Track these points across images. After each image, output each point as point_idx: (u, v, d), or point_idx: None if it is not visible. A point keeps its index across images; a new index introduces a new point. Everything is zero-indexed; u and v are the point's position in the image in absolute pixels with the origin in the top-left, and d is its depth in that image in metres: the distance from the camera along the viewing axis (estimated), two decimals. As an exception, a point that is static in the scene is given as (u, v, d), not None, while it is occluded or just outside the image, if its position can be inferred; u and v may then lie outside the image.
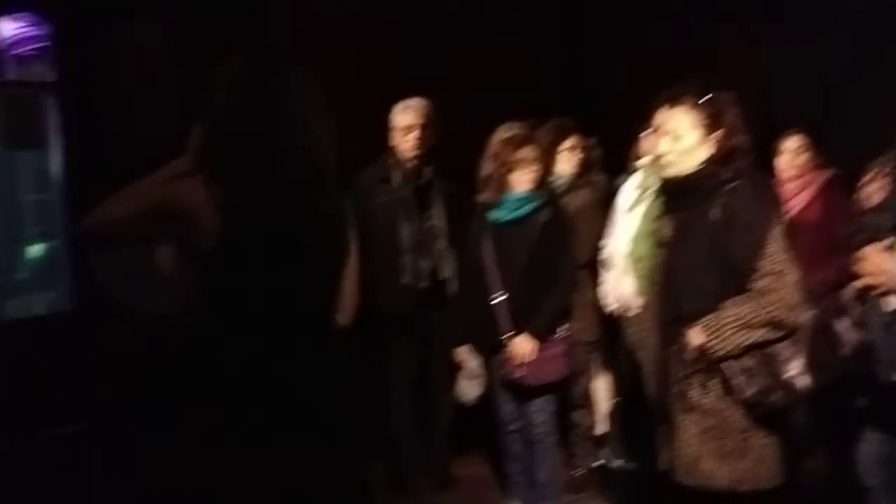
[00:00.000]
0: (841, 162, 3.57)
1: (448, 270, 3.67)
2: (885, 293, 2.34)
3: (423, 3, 4.89)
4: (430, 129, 3.65)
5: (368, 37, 4.72)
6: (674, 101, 2.50)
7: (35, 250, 4.80)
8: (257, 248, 1.79)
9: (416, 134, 3.61)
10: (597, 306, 3.63)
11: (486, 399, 3.41)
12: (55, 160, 4.38)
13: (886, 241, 2.34)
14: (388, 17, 4.83)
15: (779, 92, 4.46)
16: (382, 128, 3.70)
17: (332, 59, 4.64)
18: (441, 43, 4.76)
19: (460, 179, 3.65)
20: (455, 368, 3.46)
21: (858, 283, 2.36)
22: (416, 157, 3.65)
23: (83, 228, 1.81)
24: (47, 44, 4.60)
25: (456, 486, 3.91)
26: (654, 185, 3.19)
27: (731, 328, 2.34)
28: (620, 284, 3.32)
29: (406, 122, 3.63)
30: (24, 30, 4.72)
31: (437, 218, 3.70)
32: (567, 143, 3.78)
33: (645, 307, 2.59)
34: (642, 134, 3.33)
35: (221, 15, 4.61)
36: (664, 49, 4.86)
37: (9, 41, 4.70)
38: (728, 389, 2.39)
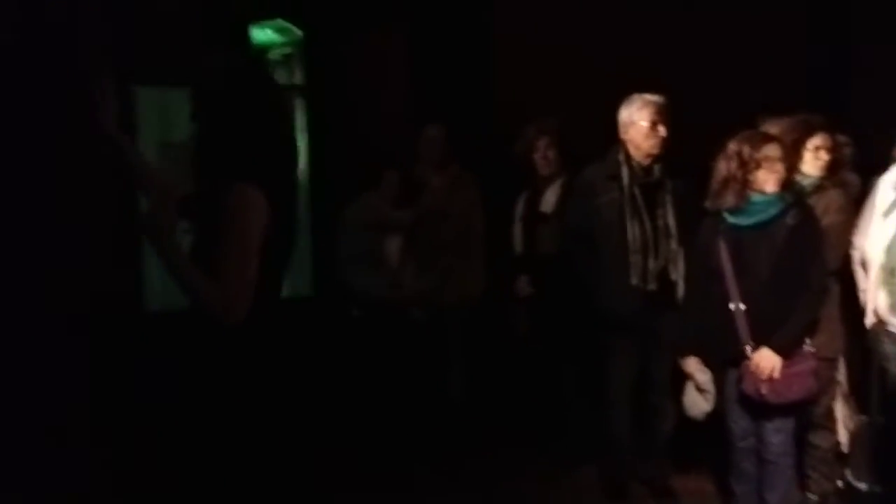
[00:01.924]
0: None
1: (677, 273, 3.53)
2: None
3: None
4: (669, 126, 3.52)
5: (598, 31, 4.66)
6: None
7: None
8: None
9: (660, 131, 3.50)
10: (840, 319, 3.33)
11: (715, 413, 3.23)
12: (302, 156, 4.75)
13: None
14: (618, 11, 4.73)
15: None
16: (608, 122, 3.60)
17: (564, 54, 4.65)
18: (678, 35, 4.58)
19: (689, 178, 3.49)
20: (680, 376, 3.32)
21: None
22: (651, 154, 3.53)
23: None
24: (297, 49, 4.98)
25: (675, 497, 3.75)
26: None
27: None
28: (875, 297, 3.02)
29: (649, 118, 3.51)
30: (276, 36, 5.14)
31: (667, 218, 3.56)
32: (814, 141, 3.48)
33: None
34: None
35: (452, 21, 4.75)
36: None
37: (263, 46, 5.14)
38: None
